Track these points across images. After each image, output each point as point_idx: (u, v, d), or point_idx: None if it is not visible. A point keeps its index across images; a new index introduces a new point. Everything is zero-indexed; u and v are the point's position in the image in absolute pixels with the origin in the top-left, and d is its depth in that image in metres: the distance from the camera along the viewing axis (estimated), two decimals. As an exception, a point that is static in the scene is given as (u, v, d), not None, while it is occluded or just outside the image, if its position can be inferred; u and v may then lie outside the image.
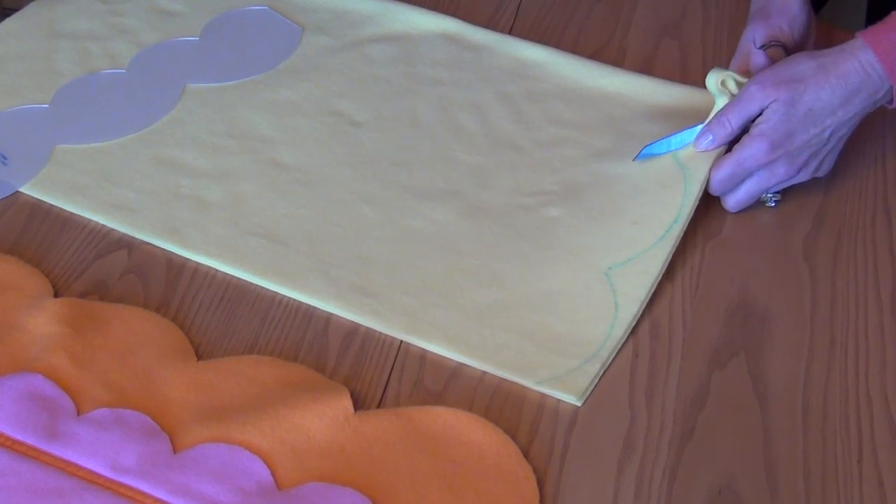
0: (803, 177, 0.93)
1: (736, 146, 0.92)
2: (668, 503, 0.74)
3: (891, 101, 0.92)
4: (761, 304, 0.87)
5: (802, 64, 0.90)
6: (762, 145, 0.90)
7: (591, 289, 0.87)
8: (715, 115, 0.93)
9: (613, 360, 0.82)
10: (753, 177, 0.92)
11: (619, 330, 0.84)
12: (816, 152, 0.92)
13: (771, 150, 0.90)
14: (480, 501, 0.73)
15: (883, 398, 0.81)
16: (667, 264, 0.88)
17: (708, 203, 0.94)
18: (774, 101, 0.89)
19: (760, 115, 0.91)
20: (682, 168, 0.93)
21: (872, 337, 0.85)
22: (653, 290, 0.87)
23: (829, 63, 0.90)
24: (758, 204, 0.94)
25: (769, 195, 0.94)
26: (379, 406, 0.79)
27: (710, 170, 0.92)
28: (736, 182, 0.92)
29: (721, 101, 0.93)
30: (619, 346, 0.83)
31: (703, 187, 0.92)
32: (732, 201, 0.93)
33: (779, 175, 0.92)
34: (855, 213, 0.95)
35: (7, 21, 1.11)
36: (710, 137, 0.92)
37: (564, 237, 0.91)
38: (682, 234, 0.90)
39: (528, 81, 1.06)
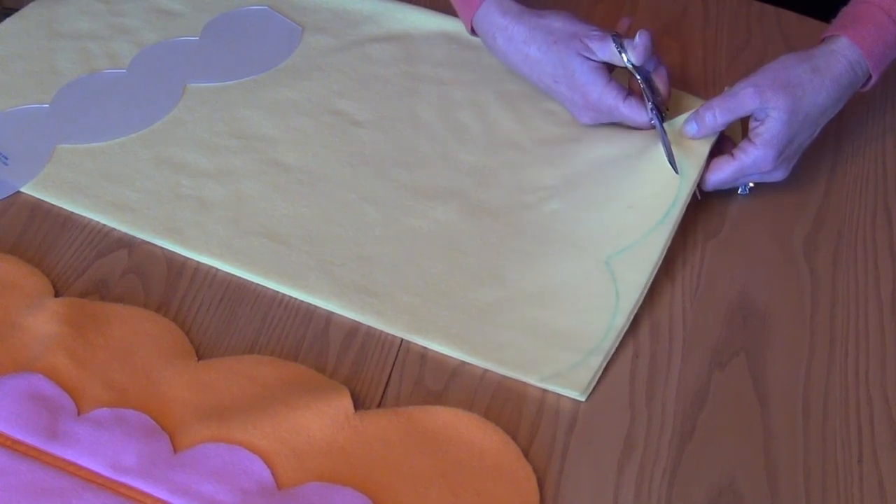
0: (787, 175, 0.94)
1: (737, 152, 0.92)
2: (668, 503, 0.74)
3: (864, 86, 0.94)
4: (761, 304, 0.87)
5: (797, 67, 0.91)
6: (768, 155, 0.90)
7: (592, 279, 0.87)
8: (703, 105, 0.93)
9: (614, 358, 0.83)
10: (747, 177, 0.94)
11: (621, 319, 0.84)
12: (803, 151, 0.94)
13: (776, 159, 0.91)
14: (480, 501, 0.73)
15: (883, 398, 0.81)
16: (666, 250, 0.88)
17: (708, 203, 0.94)
18: (774, 108, 0.89)
19: (752, 116, 0.91)
20: (677, 150, 0.92)
21: (872, 337, 0.85)
22: (653, 276, 0.87)
23: (822, 66, 0.91)
24: (733, 192, 0.95)
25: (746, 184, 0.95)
26: (379, 406, 0.79)
27: (709, 170, 0.92)
28: (733, 183, 0.94)
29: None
30: (621, 336, 0.83)
31: (701, 171, 0.92)
32: (711, 185, 0.93)
33: (772, 177, 0.93)
34: (855, 213, 0.95)
35: (7, 21, 1.11)
36: (695, 127, 0.93)
37: (564, 229, 0.91)
38: (680, 217, 0.90)
39: (528, 81, 1.06)
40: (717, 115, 0.91)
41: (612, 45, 0.94)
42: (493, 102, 1.04)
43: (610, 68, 0.97)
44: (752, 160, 0.91)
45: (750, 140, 0.91)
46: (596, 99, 0.96)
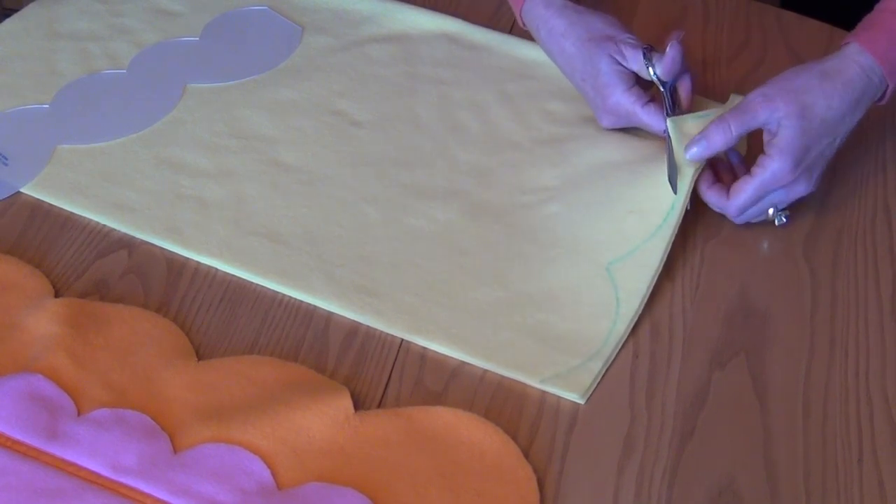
0: (812, 188, 0.91)
1: (754, 168, 0.89)
2: (668, 503, 0.74)
3: (881, 99, 0.92)
4: (761, 304, 0.87)
5: (804, 73, 0.89)
6: (786, 164, 0.87)
7: (593, 285, 0.87)
8: (714, 120, 0.89)
9: (615, 359, 0.83)
10: (770, 195, 0.90)
11: (621, 326, 0.84)
12: (826, 161, 0.91)
13: (794, 168, 0.88)
14: (480, 501, 0.73)
15: (883, 398, 0.81)
16: (666, 256, 0.88)
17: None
18: (785, 116, 0.87)
19: (765, 130, 0.88)
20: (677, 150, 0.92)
21: (872, 337, 0.85)
22: (653, 283, 0.87)
23: (831, 70, 0.89)
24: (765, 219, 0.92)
25: (780, 211, 0.91)
26: (379, 406, 0.79)
27: (729, 196, 0.89)
28: (756, 203, 0.90)
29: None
30: (621, 342, 0.83)
31: (699, 172, 0.91)
32: (735, 211, 0.90)
33: (797, 192, 0.90)
34: (855, 213, 0.95)
35: (7, 21, 1.11)
36: (705, 143, 0.89)
37: (564, 233, 0.91)
38: (679, 221, 0.89)
39: (528, 81, 1.06)
40: (731, 126, 0.88)
41: (643, 56, 0.94)
42: (493, 102, 1.04)
43: (637, 79, 0.96)
44: (771, 173, 0.88)
45: (765, 153, 0.88)
46: (614, 102, 0.96)
